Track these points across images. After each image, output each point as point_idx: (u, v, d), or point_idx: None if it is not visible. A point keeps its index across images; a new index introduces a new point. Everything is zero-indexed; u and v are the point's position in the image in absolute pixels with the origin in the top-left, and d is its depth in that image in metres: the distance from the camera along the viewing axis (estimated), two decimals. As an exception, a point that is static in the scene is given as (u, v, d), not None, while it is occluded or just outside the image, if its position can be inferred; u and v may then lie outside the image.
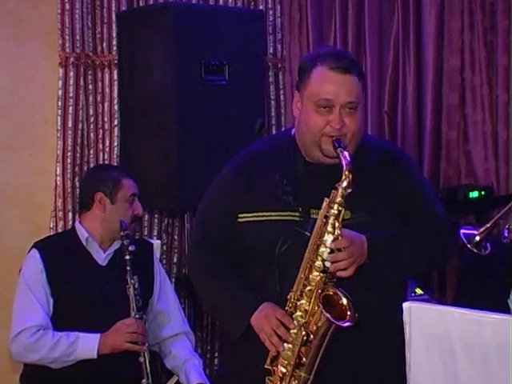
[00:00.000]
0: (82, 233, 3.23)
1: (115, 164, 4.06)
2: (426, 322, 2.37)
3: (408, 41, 4.71)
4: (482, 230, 3.30)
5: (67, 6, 3.84)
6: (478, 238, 3.30)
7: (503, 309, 3.37)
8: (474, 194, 4.37)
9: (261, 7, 4.35)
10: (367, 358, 2.54)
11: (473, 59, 4.71)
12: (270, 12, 4.42)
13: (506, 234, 3.35)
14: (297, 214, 2.52)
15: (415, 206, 2.67)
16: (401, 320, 2.38)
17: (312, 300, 2.41)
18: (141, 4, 4.12)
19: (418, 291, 3.84)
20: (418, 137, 4.79)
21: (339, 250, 2.38)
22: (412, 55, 4.72)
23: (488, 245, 3.34)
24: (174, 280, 3.76)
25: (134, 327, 3.13)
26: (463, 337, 2.27)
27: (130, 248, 3.14)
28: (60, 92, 3.88)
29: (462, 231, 3.36)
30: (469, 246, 3.33)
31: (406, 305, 2.35)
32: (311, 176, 2.56)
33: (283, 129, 4.39)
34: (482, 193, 4.34)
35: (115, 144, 4.04)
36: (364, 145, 2.57)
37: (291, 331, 2.40)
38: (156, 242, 3.68)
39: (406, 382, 2.38)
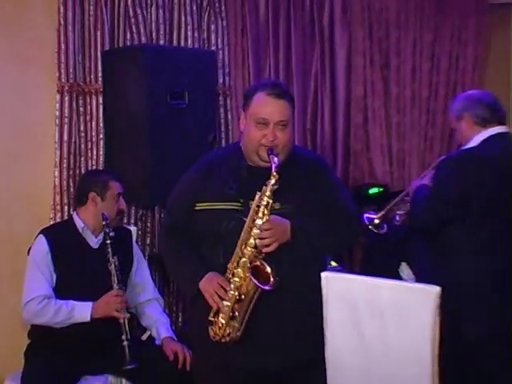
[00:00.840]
0: (79, 223, 3.30)
1: (105, 169, 4.07)
2: (338, 288, 2.53)
3: (324, 75, 4.74)
4: (379, 215, 3.44)
5: (63, 46, 3.82)
6: (377, 221, 3.44)
7: (396, 276, 3.57)
8: (374, 190, 4.49)
9: (213, 48, 4.37)
10: (289, 315, 2.63)
11: (373, 89, 4.76)
12: (220, 52, 4.43)
13: (397, 218, 3.48)
14: (239, 204, 2.61)
15: (333, 201, 2.76)
16: (318, 286, 2.55)
17: (245, 269, 2.52)
18: (120, 45, 4.09)
19: (333, 263, 3.87)
20: (333, 148, 4.83)
21: (266, 230, 2.49)
22: (328, 86, 4.75)
23: (385, 226, 3.47)
24: (147, 257, 3.75)
25: (119, 299, 3.19)
26: (366, 298, 2.45)
27: (111, 234, 3.23)
28: (57, 113, 3.87)
29: (365, 215, 3.47)
30: (370, 227, 3.45)
31: (323, 274, 2.52)
32: (252, 176, 2.63)
33: (230, 141, 4.45)
34: (380, 189, 4.45)
35: (101, 153, 4.04)
36: (295, 154, 2.67)
37: (228, 292, 2.53)
38: (133, 228, 3.76)
39: (318, 334, 2.57)
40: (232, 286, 2.55)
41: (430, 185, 3.20)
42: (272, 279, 2.46)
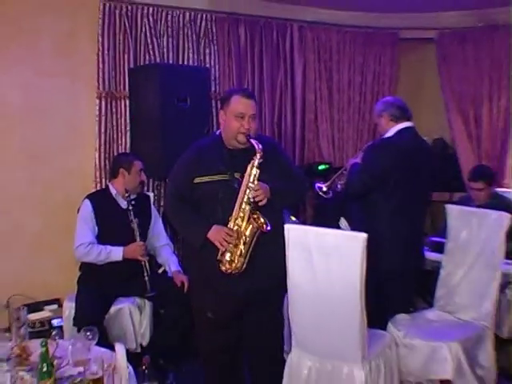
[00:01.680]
0: (113, 190, 3.39)
1: (129, 152, 4.05)
2: (296, 235, 2.62)
3: (287, 85, 4.95)
4: (326, 184, 3.55)
5: (101, 66, 3.93)
6: (324, 189, 3.54)
7: (337, 227, 3.68)
8: (322, 167, 4.66)
9: (207, 65, 4.39)
10: (267, 253, 2.65)
11: (321, 95, 5.05)
12: (213, 69, 4.45)
13: (338, 186, 3.52)
14: (227, 176, 2.64)
15: (288, 171, 2.82)
16: (282, 234, 2.62)
17: (245, 219, 2.58)
18: (141, 64, 4.12)
19: (293, 218, 3.92)
20: (293, 137, 5.03)
21: (259, 190, 2.57)
22: (289, 93, 4.96)
23: (330, 192, 3.56)
24: (161, 215, 3.75)
25: (141, 247, 3.29)
26: (316, 243, 2.55)
27: (132, 202, 3.32)
28: (97, 112, 3.97)
29: (317, 185, 3.57)
30: (320, 193, 3.55)
31: (286, 226, 2.61)
32: (231, 156, 2.68)
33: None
34: (327, 166, 4.62)
35: (128, 141, 4.09)
36: (260, 138, 2.70)
37: (234, 238, 2.57)
38: (151, 194, 3.87)
39: (283, 268, 2.62)
40: (237, 231, 2.60)
41: (361, 163, 3.25)
42: (266, 226, 2.56)
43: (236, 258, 2.58)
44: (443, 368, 2.83)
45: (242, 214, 2.57)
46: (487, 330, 3.03)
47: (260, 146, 2.53)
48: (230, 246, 2.56)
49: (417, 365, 2.89)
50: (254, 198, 2.55)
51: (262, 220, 2.56)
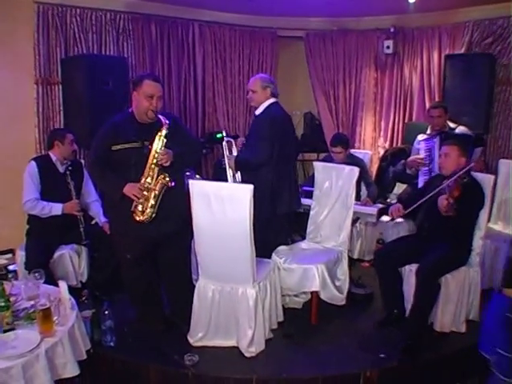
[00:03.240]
0: (53, 157, 3.48)
1: (62, 127, 4.24)
2: (199, 188, 2.73)
3: (190, 71, 5.32)
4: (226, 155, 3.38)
5: (37, 56, 4.19)
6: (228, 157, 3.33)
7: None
8: (219, 135, 4.71)
9: (126, 56, 4.67)
10: (174, 203, 2.76)
11: (217, 79, 5.38)
12: (129, 58, 4.71)
13: (239, 149, 3.43)
14: (138, 143, 2.70)
15: (187, 137, 2.91)
16: (185, 187, 2.75)
17: (154, 177, 2.68)
18: (71, 55, 4.35)
19: (198, 176, 4.10)
20: (196, 112, 5.42)
21: (165, 154, 2.65)
22: (192, 77, 5.35)
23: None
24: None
25: (76, 204, 3.41)
26: (214, 193, 2.68)
27: (69, 168, 3.47)
28: (35, 95, 4.26)
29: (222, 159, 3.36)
30: (223, 163, 3.42)
31: (190, 181, 2.76)
32: (141, 128, 2.73)
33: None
34: (223, 134, 4.16)
35: (62, 119, 4.36)
36: (162, 114, 2.75)
37: (144, 192, 2.67)
38: (83, 161, 3.89)
39: (188, 214, 2.70)
40: (147, 187, 2.68)
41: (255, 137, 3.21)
42: (171, 182, 2.69)
43: (147, 209, 2.67)
44: (312, 283, 3.14)
45: (151, 173, 2.66)
46: (343, 253, 3.40)
47: (167, 121, 2.64)
48: (142, 199, 2.65)
49: (294, 282, 3.19)
50: (160, 160, 2.64)
51: (167, 178, 2.65)
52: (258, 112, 3.43)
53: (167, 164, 2.64)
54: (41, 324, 2.18)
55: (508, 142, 4.85)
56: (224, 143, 3.42)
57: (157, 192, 2.65)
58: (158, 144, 2.64)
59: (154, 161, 2.63)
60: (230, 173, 3.40)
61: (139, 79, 2.72)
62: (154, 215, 2.66)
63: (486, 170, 4.08)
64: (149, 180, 2.64)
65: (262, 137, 3.20)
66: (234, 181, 3.38)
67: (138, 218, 2.66)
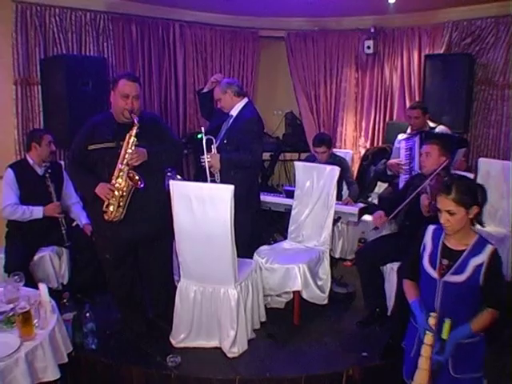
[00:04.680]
0: (30, 160, 3.48)
1: (42, 128, 4.18)
2: (180, 189, 2.76)
3: (171, 71, 5.27)
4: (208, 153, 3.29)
5: (16, 56, 4.14)
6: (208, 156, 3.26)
7: (213, 182, 3.34)
8: (200, 136, 3.59)
9: (106, 56, 4.61)
10: (152, 202, 2.78)
11: (198, 79, 5.34)
12: (109, 58, 4.67)
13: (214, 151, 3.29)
14: (113, 143, 2.72)
15: (168, 136, 2.91)
16: (165, 190, 2.77)
17: (124, 177, 2.68)
18: (50, 55, 4.30)
19: (179, 176, 3.95)
20: (177, 113, 5.36)
21: (134, 154, 2.65)
22: (173, 77, 5.29)
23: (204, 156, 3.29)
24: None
25: (57, 207, 3.41)
26: (195, 193, 2.71)
27: (49, 171, 3.44)
28: (14, 96, 4.20)
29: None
30: (202, 161, 3.37)
31: (171, 182, 2.78)
32: (119, 128, 2.73)
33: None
34: (202, 135, 3.56)
35: (42, 120, 4.29)
36: (142, 113, 2.81)
37: (114, 192, 2.68)
38: (62, 162, 3.89)
39: (169, 214, 2.72)
40: (117, 188, 2.69)
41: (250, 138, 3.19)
42: (140, 183, 2.67)
43: (116, 208, 2.69)
44: (294, 283, 3.17)
45: (121, 173, 2.67)
46: (325, 252, 3.43)
47: (137, 119, 2.63)
48: (113, 199, 2.67)
49: (276, 282, 3.23)
50: (130, 160, 2.65)
51: (136, 178, 2.65)
52: (233, 113, 3.48)
53: (137, 164, 2.64)
54: (21, 327, 2.18)
55: (487, 141, 4.89)
56: (203, 142, 3.39)
57: (125, 192, 2.66)
58: (129, 144, 2.64)
59: (124, 161, 2.64)
60: (208, 172, 3.40)
61: (116, 79, 2.74)
62: (123, 216, 2.68)
63: (467, 170, 4.12)
64: (119, 180, 2.65)
65: (257, 136, 3.30)
66: (214, 180, 3.36)
67: (106, 217, 2.68)
